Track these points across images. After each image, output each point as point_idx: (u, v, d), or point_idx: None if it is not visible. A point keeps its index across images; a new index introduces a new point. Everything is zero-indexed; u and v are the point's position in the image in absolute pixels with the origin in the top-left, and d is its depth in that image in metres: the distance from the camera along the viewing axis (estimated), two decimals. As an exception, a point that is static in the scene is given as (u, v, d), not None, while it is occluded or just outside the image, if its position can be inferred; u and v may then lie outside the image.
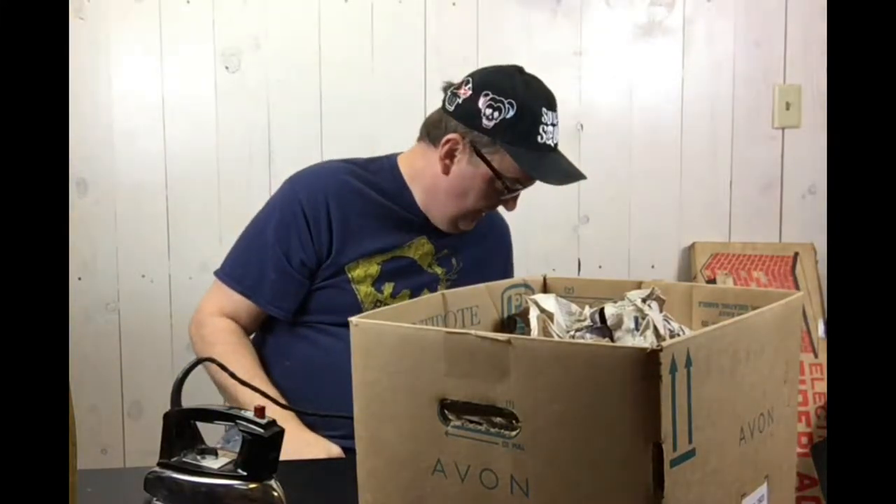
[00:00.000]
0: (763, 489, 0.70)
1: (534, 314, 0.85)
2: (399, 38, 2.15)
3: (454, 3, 2.17)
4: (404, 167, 1.44)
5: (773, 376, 0.71)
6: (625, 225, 2.26)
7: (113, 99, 2.11)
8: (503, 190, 1.36)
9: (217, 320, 1.39)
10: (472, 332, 0.64)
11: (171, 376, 2.11)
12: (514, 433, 0.62)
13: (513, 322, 0.94)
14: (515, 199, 1.40)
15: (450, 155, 1.35)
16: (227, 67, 2.13)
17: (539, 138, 1.31)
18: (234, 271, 1.40)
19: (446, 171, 1.36)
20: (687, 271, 2.27)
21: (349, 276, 1.37)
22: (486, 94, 1.33)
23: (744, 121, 2.27)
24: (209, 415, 1.11)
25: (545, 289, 0.97)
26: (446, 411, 0.66)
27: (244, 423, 0.92)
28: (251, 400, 1.21)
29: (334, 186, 1.38)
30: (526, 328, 0.87)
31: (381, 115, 2.12)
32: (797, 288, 2.19)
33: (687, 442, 0.59)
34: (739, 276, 2.22)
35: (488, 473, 0.64)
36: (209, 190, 2.10)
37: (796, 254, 2.24)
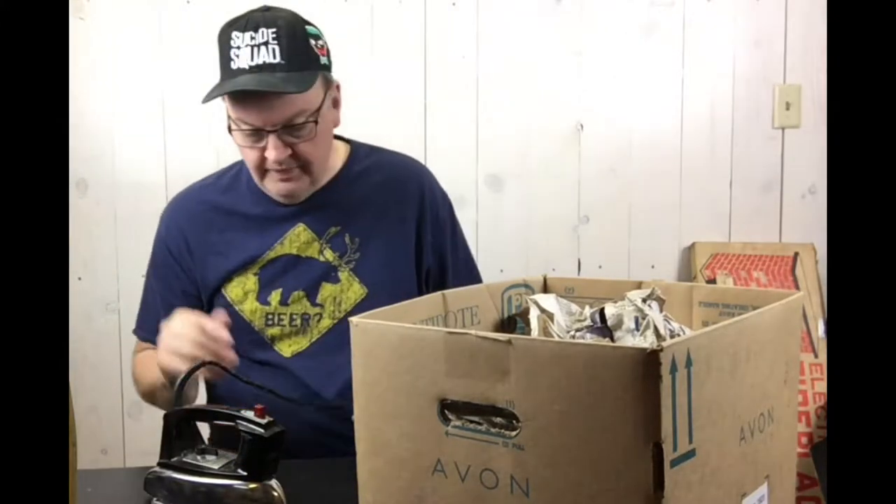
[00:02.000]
0: (763, 489, 0.70)
1: (534, 314, 0.85)
2: (399, 38, 2.15)
3: (454, 3, 2.17)
4: None
5: (773, 376, 0.71)
6: (625, 225, 2.26)
7: (113, 99, 2.11)
8: (242, 135, 1.22)
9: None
10: (473, 331, 0.64)
11: (171, 376, 2.11)
12: (514, 433, 0.62)
13: (513, 322, 0.94)
14: (274, 146, 1.21)
15: (229, 125, 1.26)
16: (227, 67, 2.13)
17: (232, 64, 1.19)
18: (139, 322, 1.40)
19: None
20: (687, 271, 2.27)
21: (228, 297, 1.30)
22: None
23: (744, 121, 2.26)
24: (209, 415, 1.11)
25: (545, 289, 0.97)
26: (446, 411, 0.66)
27: (244, 424, 0.92)
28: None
29: (187, 212, 1.35)
30: (526, 328, 0.87)
31: (381, 114, 2.12)
32: (797, 288, 2.19)
33: (687, 442, 0.59)
34: (739, 276, 2.22)
35: (488, 473, 0.64)
36: (209, 190, 2.10)
37: (796, 254, 2.24)
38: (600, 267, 2.25)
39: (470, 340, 0.64)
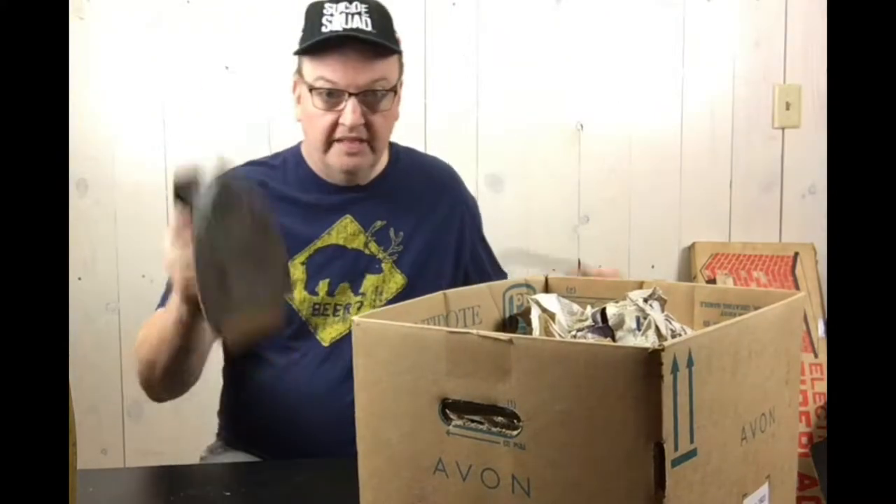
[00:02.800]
0: (764, 489, 0.70)
1: (535, 314, 0.85)
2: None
3: (454, 3, 2.17)
4: (304, 145, 1.37)
5: (774, 376, 0.71)
6: (625, 225, 2.26)
7: (113, 99, 2.11)
8: (322, 101, 1.24)
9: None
10: (474, 331, 0.64)
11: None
12: (515, 433, 0.62)
13: (514, 322, 0.94)
14: (354, 110, 1.23)
15: (299, 99, 1.30)
16: (227, 67, 2.13)
17: (323, 28, 1.22)
18: (164, 297, 1.30)
19: (300, 118, 1.31)
20: (687, 271, 2.27)
21: None
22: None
23: (744, 121, 2.27)
24: None
25: (547, 289, 0.97)
26: (448, 411, 0.66)
27: None
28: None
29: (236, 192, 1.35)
30: (528, 328, 0.87)
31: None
32: (797, 288, 2.19)
33: (688, 442, 0.59)
34: (739, 276, 2.22)
35: (490, 473, 0.64)
36: (209, 190, 2.10)
37: (796, 254, 2.24)
38: (600, 267, 2.25)
39: (471, 340, 0.64)
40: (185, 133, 2.13)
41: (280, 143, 2.13)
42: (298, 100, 1.31)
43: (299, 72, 1.30)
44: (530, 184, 2.22)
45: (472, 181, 2.15)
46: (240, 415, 1.38)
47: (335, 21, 1.22)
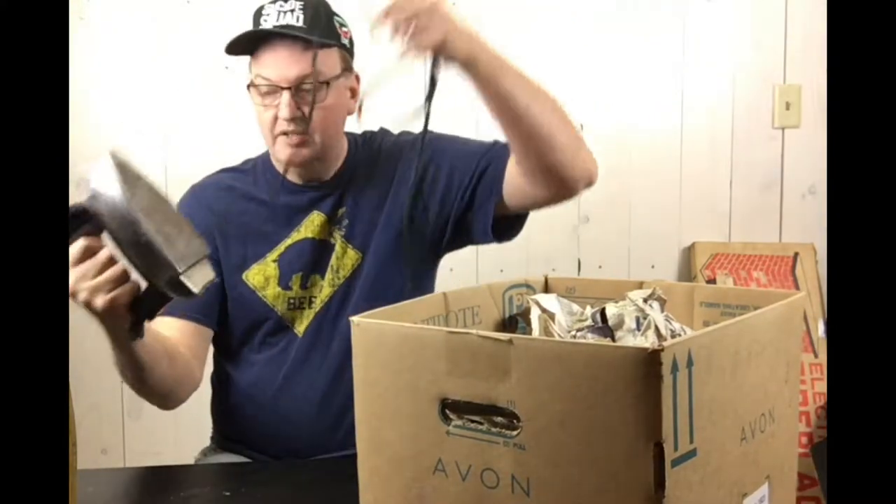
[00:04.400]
0: (764, 489, 0.70)
1: (535, 314, 0.85)
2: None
3: (454, 3, 2.17)
4: None
5: (774, 376, 0.71)
6: (625, 225, 2.26)
7: (113, 99, 2.11)
8: (262, 95, 1.27)
9: None
10: (474, 331, 0.64)
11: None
12: (515, 433, 0.62)
13: (514, 322, 0.94)
14: (287, 104, 1.25)
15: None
16: (227, 67, 2.13)
17: (259, 27, 1.28)
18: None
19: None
20: (687, 271, 2.27)
21: (250, 284, 1.32)
22: None
23: (744, 121, 2.27)
24: None
25: (547, 289, 0.97)
26: (447, 411, 0.66)
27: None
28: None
29: (212, 196, 1.36)
30: (527, 328, 0.87)
31: (381, 114, 2.12)
32: (797, 288, 2.19)
33: (688, 442, 0.59)
34: (739, 276, 2.22)
35: (489, 473, 0.64)
36: (209, 190, 2.10)
37: (796, 254, 2.24)
38: (600, 267, 2.25)
39: (471, 340, 0.64)
40: (185, 133, 2.13)
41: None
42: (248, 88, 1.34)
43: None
44: (530, 184, 2.22)
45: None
46: (227, 416, 1.39)
47: (269, 20, 1.28)
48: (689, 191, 2.27)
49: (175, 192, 2.24)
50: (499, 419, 0.64)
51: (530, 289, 0.96)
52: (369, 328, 0.71)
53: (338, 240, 1.33)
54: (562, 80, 2.22)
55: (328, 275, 1.32)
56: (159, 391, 1.20)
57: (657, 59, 2.24)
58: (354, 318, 0.72)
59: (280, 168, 1.33)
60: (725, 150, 2.27)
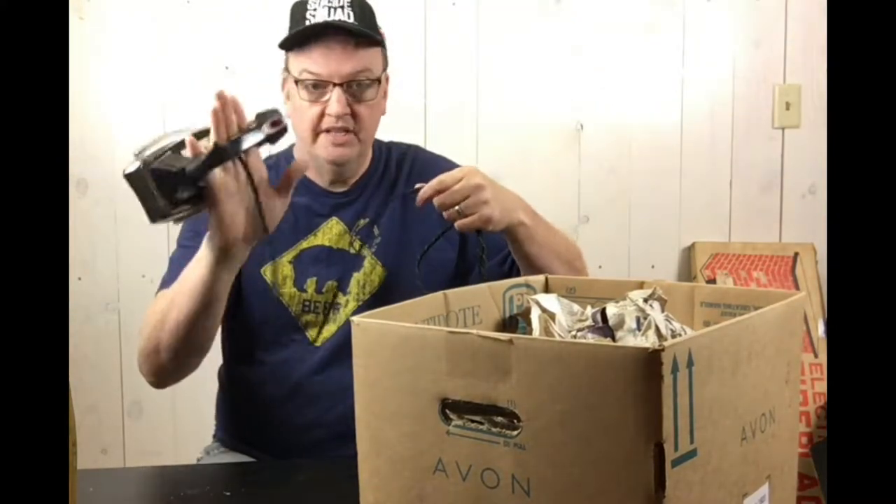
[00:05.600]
0: (764, 489, 0.70)
1: (535, 314, 0.85)
2: (399, 38, 2.15)
3: (454, 3, 2.17)
4: (296, 147, 1.38)
5: (774, 376, 0.71)
6: (625, 225, 2.26)
7: (113, 99, 2.11)
8: (308, 93, 1.26)
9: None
10: (474, 331, 0.64)
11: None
12: (515, 433, 0.62)
13: (514, 322, 0.94)
14: (339, 100, 1.25)
15: (287, 93, 1.32)
16: (227, 67, 2.13)
17: (307, 22, 1.25)
18: (166, 280, 1.28)
19: (289, 114, 1.30)
20: (687, 271, 2.27)
21: (267, 280, 1.31)
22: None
23: (744, 121, 2.27)
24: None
25: (547, 289, 0.97)
26: (448, 411, 0.66)
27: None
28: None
29: None
30: (528, 328, 0.87)
31: (381, 115, 2.12)
32: (797, 288, 2.19)
33: (688, 442, 0.59)
34: (739, 276, 2.22)
35: (490, 473, 0.64)
36: (209, 190, 2.10)
37: (796, 254, 2.24)
38: (600, 267, 2.25)
39: (471, 340, 0.64)
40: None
41: (279, 143, 2.13)
42: (287, 97, 1.32)
43: (286, 68, 1.32)
44: (530, 184, 2.21)
45: (472, 181, 2.15)
46: (234, 415, 1.38)
47: (318, 15, 1.25)
48: (689, 191, 2.27)
49: (175, 192, 2.23)
50: (499, 419, 0.64)
51: (530, 289, 0.96)
52: (369, 328, 0.71)
53: (367, 255, 1.32)
54: (562, 80, 2.23)
55: (354, 289, 1.31)
56: (197, 344, 1.19)
57: (657, 59, 2.24)
58: (354, 318, 0.71)
59: (315, 166, 1.32)
60: (725, 150, 2.27)
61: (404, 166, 1.40)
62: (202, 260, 1.13)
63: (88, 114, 2.09)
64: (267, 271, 1.31)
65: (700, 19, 2.24)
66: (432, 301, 0.84)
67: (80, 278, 2.11)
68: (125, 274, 2.13)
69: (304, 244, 1.32)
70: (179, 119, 2.12)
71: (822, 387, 2.08)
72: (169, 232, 2.12)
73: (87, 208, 2.11)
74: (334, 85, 1.25)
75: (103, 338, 2.13)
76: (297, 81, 1.27)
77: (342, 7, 1.25)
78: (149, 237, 2.14)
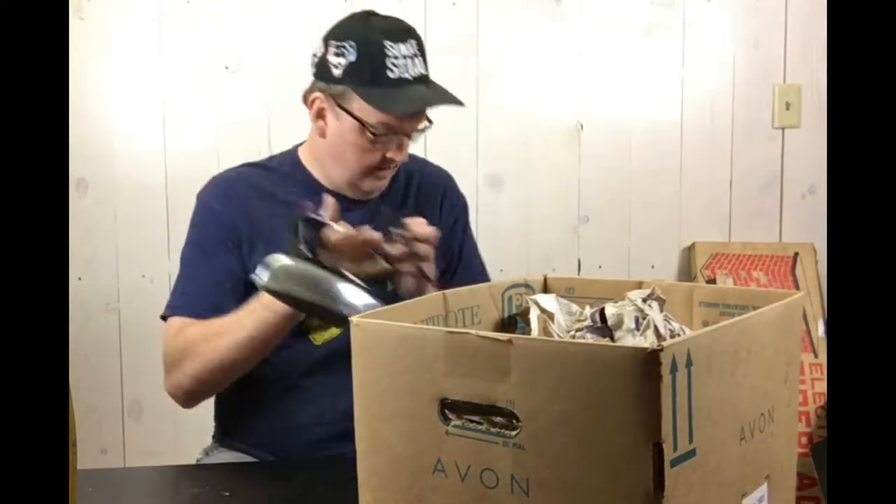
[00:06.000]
0: (763, 489, 0.70)
1: (534, 314, 0.85)
2: (399, 38, 2.15)
3: (454, 3, 2.17)
4: (303, 151, 1.40)
5: (773, 376, 0.71)
6: (625, 225, 2.26)
7: (113, 99, 2.11)
8: (375, 138, 1.28)
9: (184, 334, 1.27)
10: (473, 331, 0.64)
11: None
12: (514, 433, 0.62)
13: (513, 322, 0.94)
14: (403, 146, 1.32)
15: (320, 115, 1.32)
16: (227, 67, 2.13)
17: (390, 73, 1.25)
18: (189, 300, 1.30)
19: (322, 134, 1.33)
20: (687, 271, 2.27)
21: None
22: (331, 44, 1.29)
23: (744, 121, 2.27)
24: None
25: (546, 289, 0.97)
26: (447, 411, 0.66)
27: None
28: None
29: (243, 193, 1.34)
30: (527, 328, 0.87)
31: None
32: (797, 288, 2.19)
33: (687, 442, 0.59)
34: (739, 276, 2.22)
35: (489, 473, 0.64)
36: (209, 190, 2.10)
37: (796, 254, 2.24)
38: (600, 267, 2.25)
39: (470, 340, 0.64)
40: (185, 133, 2.13)
41: (279, 143, 2.13)
42: (319, 114, 1.32)
43: (335, 96, 1.29)
44: (530, 184, 2.22)
45: (472, 181, 2.15)
46: (235, 414, 1.38)
47: (400, 66, 1.26)
48: (689, 191, 2.27)
49: (174, 192, 2.25)
50: (498, 419, 0.64)
51: (529, 289, 0.96)
52: (368, 328, 0.71)
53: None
54: (562, 80, 2.23)
55: None
56: (236, 377, 1.27)
57: (657, 59, 2.24)
58: (354, 318, 0.72)
59: (327, 179, 1.35)
60: (725, 150, 2.27)
61: (413, 182, 1.44)
62: (267, 317, 1.17)
63: (88, 114, 2.09)
64: None
65: (700, 19, 2.24)
66: (431, 301, 0.84)
67: (80, 278, 2.11)
68: (125, 274, 2.13)
69: None
70: (179, 119, 2.12)
71: (822, 387, 2.08)
72: (169, 232, 2.12)
73: (87, 208, 2.11)
74: (406, 136, 1.30)
75: (103, 338, 2.13)
76: (363, 123, 1.28)
77: (414, 56, 1.28)
78: (149, 237, 2.15)
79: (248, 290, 1.29)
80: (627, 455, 0.57)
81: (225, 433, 1.40)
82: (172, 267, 2.13)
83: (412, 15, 2.14)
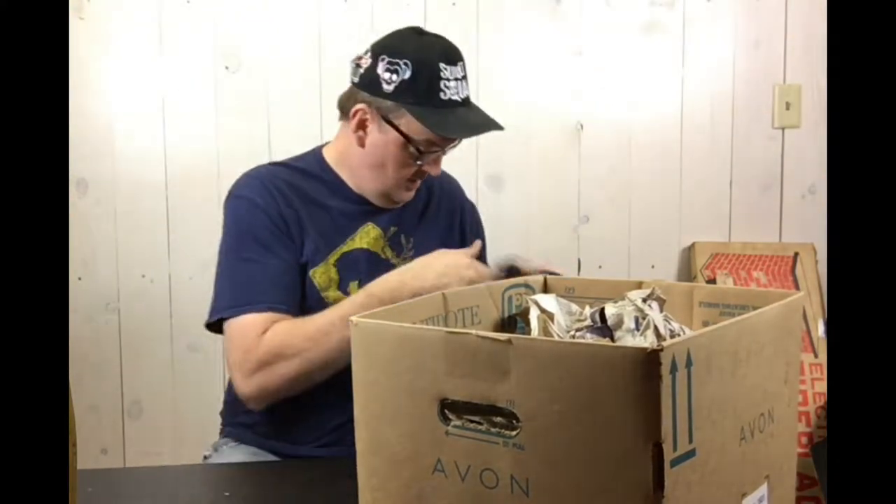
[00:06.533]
0: (763, 489, 0.70)
1: (534, 314, 0.85)
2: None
3: (454, 3, 2.17)
4: (330, 153, 1.41)
5: (773, 376, 0.71)
6: (625, 225, 2.26)
7: (113, 98, 2.11)
8: (419, 154, 1.32)
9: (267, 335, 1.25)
10: (473, 331, 0.64)
11: (171, 376, 2.12)
12: (514, 433, 0.62)
13: (513, 322, 0.94)
14: (438, 161, 1.36)
15: (361, 126, 1.34)
16: (227, 67, 2.13)
17: (442, 94, 1.29)
18: (259, 297, 1.27)
19: (361, 143, 1.35)
20: (687, 271, 2.27)
21: (316, 283, 1.33)
22: (383, 59, 1.30)
23: (744, 121, 2.26)
24: None
25: (546, 289, 0.97)
26: (447, 411, 0.66)
27: None
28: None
29: (277, 185, 1.35)
30: (526, 328, 0.87)
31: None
32: (797, 288, 2.19)
33: (687, 442, 0.59)
34: (739, 276, 2.22)
35: (489, 473, 0.64)
36: (209, 190, 2.10)
37: (796, 254, 2.24)
38: (600, 267, 2.25)
39: (470, 340, 0.64)
40: (185, 133, 2.13)
41: (279, 143, 2.14)
42: (361, 125, 1.34)
43: (382, 110, 1.31)
44: (530, 184, 2.22)
45: (472, 181, 2.15)
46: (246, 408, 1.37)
47: (451, 88, 1.31)
48: (689, 191, 2.27)
49: (175, 192, 2.24)
50: (498, 419, 0.64)
51: (529, 289, 0.96)
52: (368, 328, 0.71)
53: (398, 263, 1.37)
54: (562, 80, 2.23)
55: None
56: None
57: (657, 59, 2.24)
58: (353, 318, 0.72)
59: (356, 183, 1.38)
60: (725, 150, 2.27)
61: (434, 189, 1.48)
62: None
63: (89, 114, 2.09)
64: (316, 275, 1.33)
65: (700, 19, 2.24)
66: (431, 301, 0.84)
67: (80, 278, 2.11)
68: (125, 274, 2.13)
69: (345, 248, 1.36)
70: (180, 119, 2.12)
71: (822, 387, 2.08)
72: (168, 232, 2.12)
73: (87, 208, 2.11)
74: (442, 150, 1.34)
75: (103, 338, 2.13)
76: (409, 140, 1.31)
77: (463, 77, 1.33)
78: (149, 237, 2.15)
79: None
80: (627, 455, 0.57)
81: (241, 427, 1.38)
82: (172, 267, 2.15)
83: (412, 15, 2.14)
